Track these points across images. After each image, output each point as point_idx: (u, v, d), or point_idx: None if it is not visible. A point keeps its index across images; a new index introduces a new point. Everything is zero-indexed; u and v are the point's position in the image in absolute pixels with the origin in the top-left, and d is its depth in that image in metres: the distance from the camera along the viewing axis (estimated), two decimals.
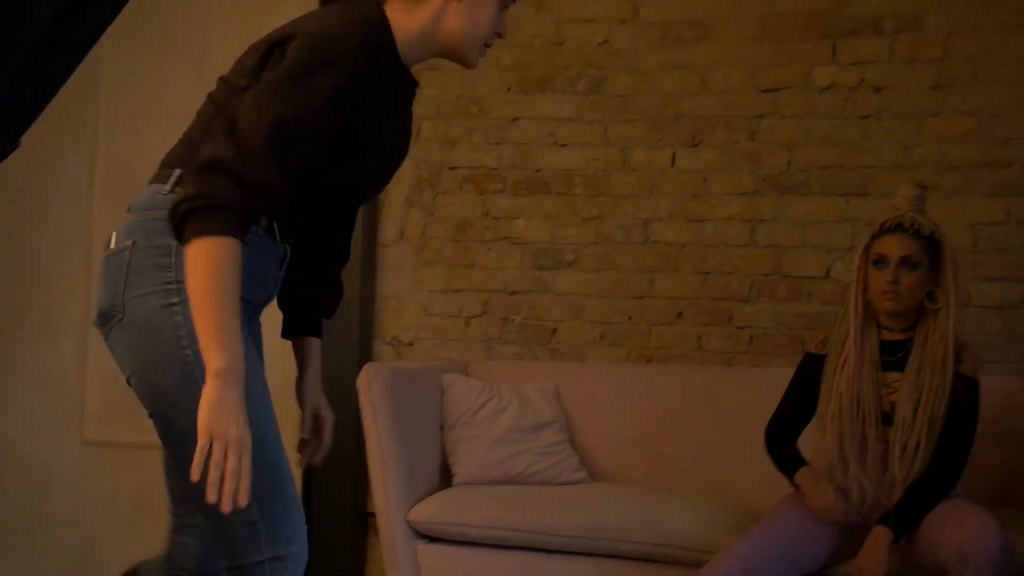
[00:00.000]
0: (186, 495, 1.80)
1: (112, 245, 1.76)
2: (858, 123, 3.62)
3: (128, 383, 1.73)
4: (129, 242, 1.72)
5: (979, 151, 3.50)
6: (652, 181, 3.82)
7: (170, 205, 1.62)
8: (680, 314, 3.78)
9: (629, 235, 3.83)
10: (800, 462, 2.79)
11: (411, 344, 4.02)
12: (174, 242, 1.64)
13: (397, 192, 4.01)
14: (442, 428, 3.33)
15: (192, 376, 1.63)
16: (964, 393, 2.65)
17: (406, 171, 4.01)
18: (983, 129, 3.50)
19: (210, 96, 1.85)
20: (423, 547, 3.02)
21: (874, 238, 2.75)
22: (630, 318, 3.82)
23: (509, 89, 3.94)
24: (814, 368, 2.82)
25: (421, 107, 3.99)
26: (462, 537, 2.97)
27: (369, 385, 3.02)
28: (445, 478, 3.29)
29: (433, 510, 3.00)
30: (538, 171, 3.91)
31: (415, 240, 4.02)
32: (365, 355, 3.98)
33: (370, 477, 3.05)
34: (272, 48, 1.74)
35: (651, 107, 3.81)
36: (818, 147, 3.66)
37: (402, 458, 3.03)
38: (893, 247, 2.68)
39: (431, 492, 3.15)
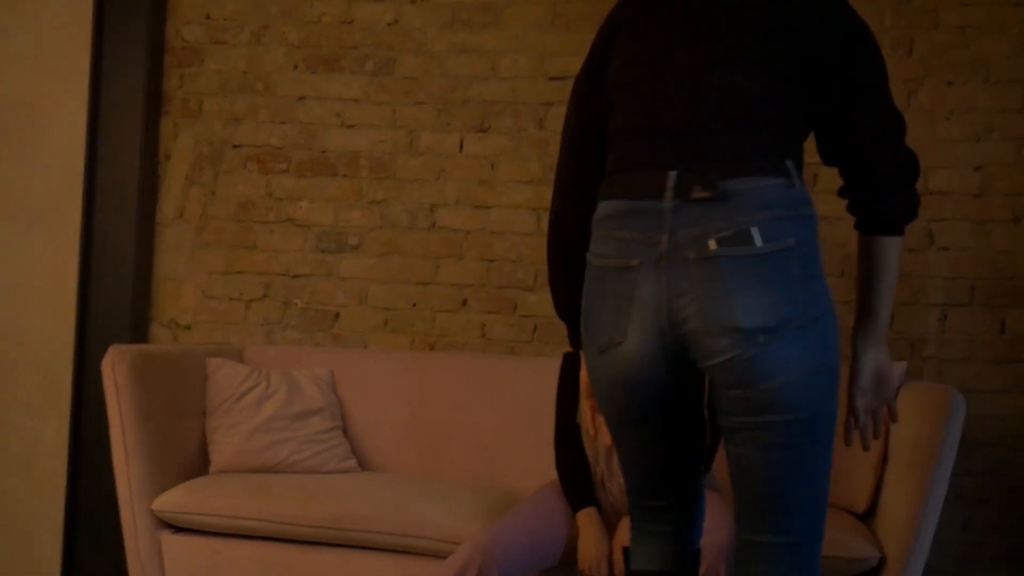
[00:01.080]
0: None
1: (760, 243, 1.68)
2: None
3: (755, 390, 1.69)
4: (791, 241, 1.69)
5: None
6: (439, 166, 3.74)
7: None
8: (465, 302, 3.71)
9: (415, 220, 3.74)
10: (585, 495, 2.66)
11: (189, 327, 3.86)
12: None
13: (177, 169, 3.85)
14: (204, 414, 3.18)
15: (836, 372, 1.74)
16: None
17: (186, 148, 3.85)
18: None
19: (746, 72, 1.77)
20: (168, 537, 2.88)
21: None
22: (414, 305, 3.74)
23: (296, 67, 3.81)
24: (577, 367, 2.76)
25: (204, 81, 3.85)
26: (206, 527, 2.83)
27: (112, 367, 2.86)
28: (205, 467, 3.15)
29: (178, 499, 2.85)
30: (324, 152, 3.79)
31: (195, 220, 3.86)
32: (140, 337, 3.80)
33: (113, 464, 2.88)
34: (850, 41, 1.77)
35: (440, 90, 3.74)
36: None
37: (147, 444, 2.88)
38: None
39: (185, 480, 3.01)
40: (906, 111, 3.51)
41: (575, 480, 2.68)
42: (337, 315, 3.78)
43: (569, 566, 2.65)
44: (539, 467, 3.24)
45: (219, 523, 2.82)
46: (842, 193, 1.83)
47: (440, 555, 2.73)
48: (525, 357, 3.52)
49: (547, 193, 3.65)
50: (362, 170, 3.78)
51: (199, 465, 3.13)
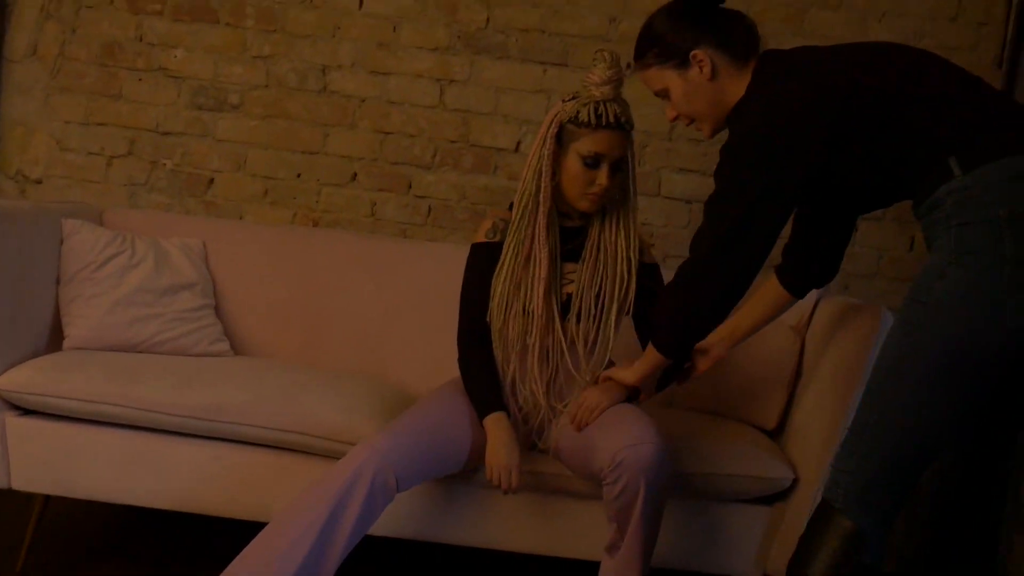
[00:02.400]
0: None
1: None
2: None
3: None
4: None
5: None
6: (335, 22, 3.37)
7: None
8: (354, 176, 3.40)
9: (304, 81, 3.38)
10: (495, 399, 2.42)
11: (39, 182, 3.43)
12: None
13: None
14: (58, 282, 2.81)
15: None
16: (649, 279, 2.45)
17: None
18: None
19: None
20: (13, 420, 2.53)
21: (582, 125, 2.31)
22: (298, 175, 3.40)
23: None
24: (489, 260, 2.48)
25: None
26: (60, 410, 2.50)
27: None
28: (57, 341, 2.79)
29: (27, 377, 2.50)
30: None
31: (50, 59, 3.40)
32: None
33: None
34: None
35: None
36: (520, 7, 3.34)
37: None
38: (612, 147, 2.31)
39: (35, 356, 2.65)
40: (839, 8, 3.32)
41: (483, 383, 2.44)
42: (211, 180, 3.41)
43: (473, 472, 2.44)
44: (427, 361, 3.01)
45: (74, 407, 2.48)
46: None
47: (326, 455, 2.48)
48: (418, 241, 3.25)
49: (453, 63, 3.34)
50: (247, 19, 3.38)
51: (51, 340, 2.77)
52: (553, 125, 2.35)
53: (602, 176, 2.32)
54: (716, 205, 2.09)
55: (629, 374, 2.34)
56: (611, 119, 2.30)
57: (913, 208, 1.99)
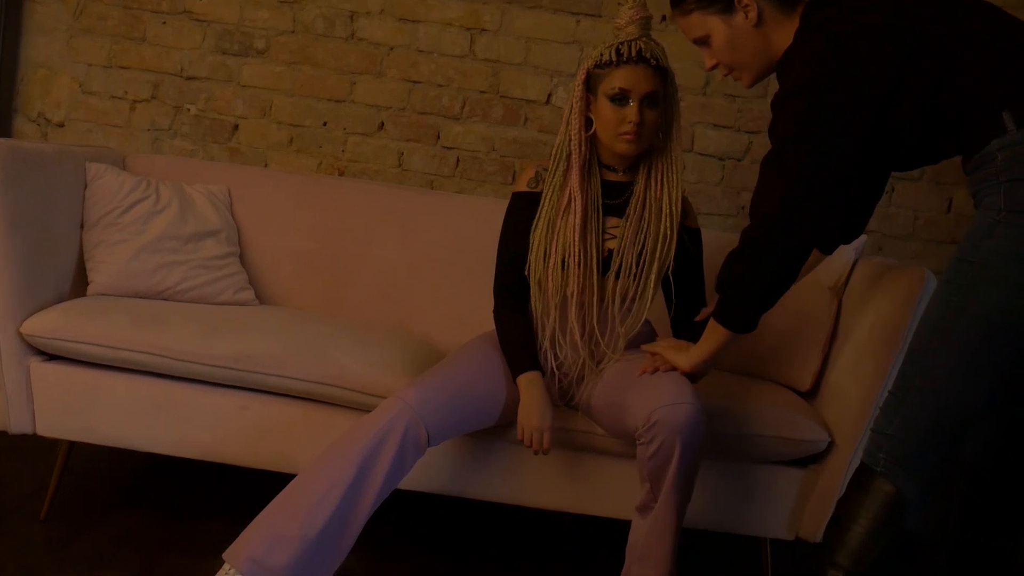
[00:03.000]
0: None
1: None
2: None
3: None
4: None
5: None
6: None
7: None
8: (382, 125, 3.34)
9: (332, 27, 3.31)
10: (529, 358, 2.37)
11: (62, 125, 3.37)
12: None
13: None
14: (82, 227, 2.76)
15: None
16: (692, 245, 2.40)
17: None
18: None
19: None
20: (38, 365, 2.50)
21: (605, 66, 2.31)
22: (325, 123, 3.34)
23: None
24: (529, 209, 2.44)
25: None
26: (85, 356, 2.46)
27: None
28: (81, 287, 2.75)
29: (53, 322, 2.46)
30: None
31: (73, 0, 3.32)
32: (3, 132, 3.30)
33: None
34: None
35: None
36: None
37: (17, 257, 2.46)
38: (637, 81, 2.28)
39: (59, 302, 2.61)
40: None
41: (519, 340, 2.40)
42: (236, 127, 3.36)
43: (504, 428, 2.40)
44: (452, 315, 2.97)
45: (99, 353, 2.44)
46: None
47: (354, 407, 2.44)
48: (445, 192, 3.19)
49: (483, 12, 3.26)
50: None
51: (75, 285, 2.73)
52: (581, 72, 2.35)
53: (631, 112, 2.28)
54: (776, 164, 2.00)
55: (683, 360, 2.26)
56: (632, 54, 2.28)
57: (963, 164, 1.92)
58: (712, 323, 2.18)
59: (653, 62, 2.29)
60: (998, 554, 2.15)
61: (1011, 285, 1.78)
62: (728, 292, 2.13)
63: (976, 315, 1.81)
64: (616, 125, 2.30)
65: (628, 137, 2.30)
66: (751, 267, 2.06)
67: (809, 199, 1.98)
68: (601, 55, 2.32)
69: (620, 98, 2.29)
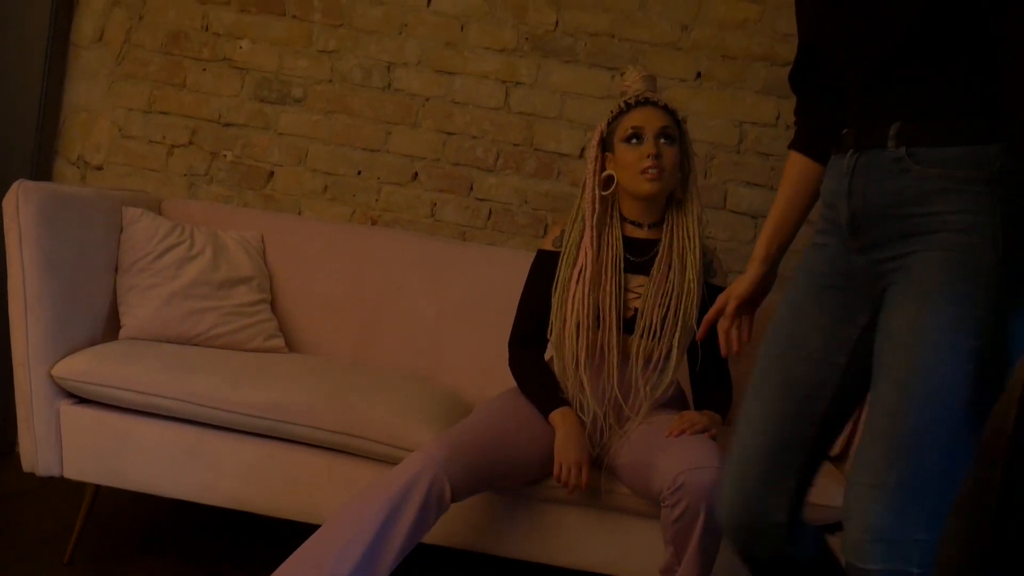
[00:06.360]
0: None
1: None
2: None
3: None
4: None
5: (758, 43, 3.22)
6: (403, 19, 3.33)
7: None
8: (415, 176, 3.36)
9: (369, 77, 3.34)
10: (556, 395, 2.37)
11: (100, 168, 3.42)
12: None
13: None
14: (116, 271, 2.79)
15: None
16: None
17: None
18: (766, 20, 3.21)
19: None
20: (68, 408, 2.51)
21: (617, 117, 2.40)
22: (359, 172, 3.37)
23: None
24: (550, 267, 2.46)
25: None
26: (115, 400, 2.47)
27: (17, 207, 2.44)
28: (113, 331, 2.77)
29: (84, 365, 2.48)
30: None
31: (116, 45, 3.38)
32: (42, 174, 3.35)
33: (9, 319, 2.48)
34: None
35: None
36: (591, 11, 3.27)
37: (51, 300, 2.48)
38: (648, 119, 2.35)
39: (91, 345, 2.63)
40: None
41: (541, 381, 2.40)
42: (271, 174, 3.38)
43: (527, 485, 2.39)
44: (481, 366, 2.96)
45: (129, 398, 2.46)
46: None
47: (379, 458, 2.44)
48: (476, 244, 3.19)
49: (519, 65, 3.28)
50: (315, 12, 3.34)
51: (107, 329, 2.75)
52: (595, 134, 2.43)
53: (648, 147, 2.34)
54: None
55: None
56: (640, 99, 2.38)
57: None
58: None
59: (662, 104, 2.36)
60: None
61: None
62: None
63: None
64: (636, 164, 2.34)
65: (650, 175, 2.33)
66: None
67: None
68: (611, 111, 2.43)
69: (635, 137, 2.36)
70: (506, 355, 2.53)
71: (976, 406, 1.51)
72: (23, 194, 2.45)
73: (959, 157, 1.53)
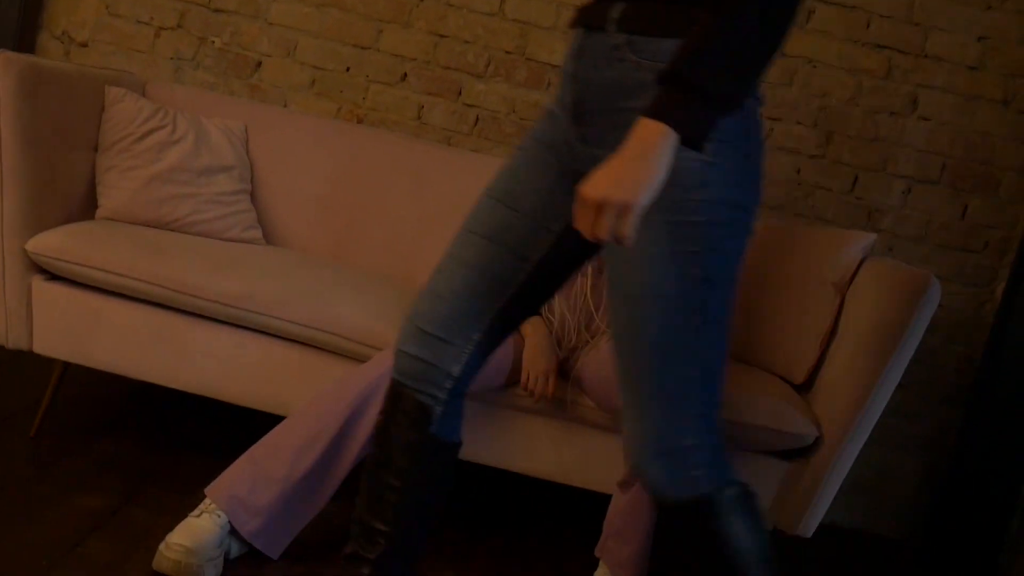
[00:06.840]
0: None
1: None
2: None
3: None
4: None
5: None
6: None
7: None
8: (404, 76, 3.32)
9: None
10: None
11: (85, 45, 3.36)
12: None
13: None
14: (96, 150, 2.76)
15: None
16: None
17: None
18: None
19: None
20: (40, 283, 2.51)
21: None
22: (348, 69, 3.32)
23: None
24: None
25: None
26: (87, 279, 2.47)
27: None
28: (89, 210, 2.75)
29: (58, 242, 2.47)
30: None
31: None
32: (25, 46, 3.29)
33: None
34: None
35: None
36: None
37: (28, 174, 2.46)
38: None
39: (67, 223, 2.62)
40: None
41: None
42: (259, 64, 3.34)
43: (492, 391, 2.41)
44: None
45: (102, 277, 2.45)
46: None
47: (351, 356, 2.45)
48: (462, 150, 3.17)
49: None
50: None
51: (84, 208, 2.73)
52: None
53: None
54: None
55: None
56: None
57: None
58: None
59: None
60: None
61: None
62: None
63: None
64: None
65: None
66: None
67: None
68: None
69: None
70: None
71: (706, 304, 1.49)
72: (3, 65, 2.41)
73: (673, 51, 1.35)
